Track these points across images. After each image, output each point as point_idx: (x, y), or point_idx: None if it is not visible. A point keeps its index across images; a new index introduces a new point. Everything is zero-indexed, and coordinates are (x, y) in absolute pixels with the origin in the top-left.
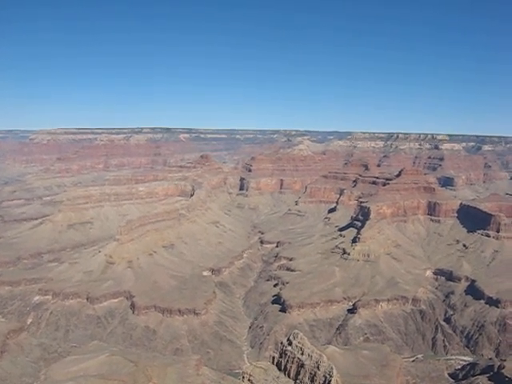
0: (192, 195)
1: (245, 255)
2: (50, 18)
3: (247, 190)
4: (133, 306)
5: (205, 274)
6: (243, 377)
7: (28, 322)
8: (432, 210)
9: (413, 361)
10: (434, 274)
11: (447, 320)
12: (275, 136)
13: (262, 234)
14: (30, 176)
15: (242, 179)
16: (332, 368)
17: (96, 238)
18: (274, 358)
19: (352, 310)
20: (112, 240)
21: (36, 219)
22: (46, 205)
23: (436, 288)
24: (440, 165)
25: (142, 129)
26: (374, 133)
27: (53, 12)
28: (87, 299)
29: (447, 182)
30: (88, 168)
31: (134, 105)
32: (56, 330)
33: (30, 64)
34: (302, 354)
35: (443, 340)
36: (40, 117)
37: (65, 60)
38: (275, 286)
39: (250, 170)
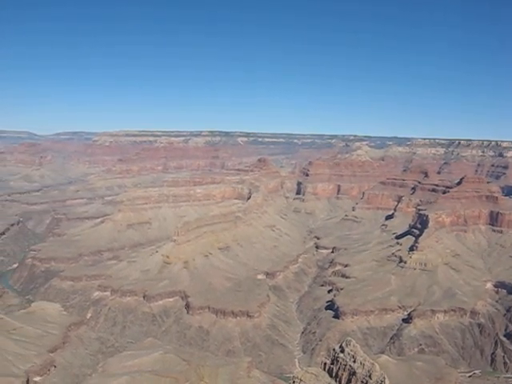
0: (249, 198)
1: (300, 260)
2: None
3: (304, 194)
4: (187, 306)
5: (259, 277)
6: (294, 381)
7: (88, 316)
8: (494, 219)
9: (469, 376)
10: (495, 286)
11: (508, 335)
12: (333, 141)
13: (318, 239)
14: (93, 176)
15: (298, 184)
16: (384, 378)
17: (154, 238)
18: (325, 364)
19: (407, 320)
20: (169, 240)
21: (97, 218)
22: (107, 204)
23: (496, 301)
24: (504, 173)
25: (200, 132)
26: (434, 139)
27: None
28: (144, 297)
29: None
30: (148, 169)
31: (194, 108)
32: (113, 326)
33: (95, 69)
34: (354, 361)
35: (503, 356)
36: (103, 120)
37: (127, 64)
38: (329, 291)
39: (307, 175)
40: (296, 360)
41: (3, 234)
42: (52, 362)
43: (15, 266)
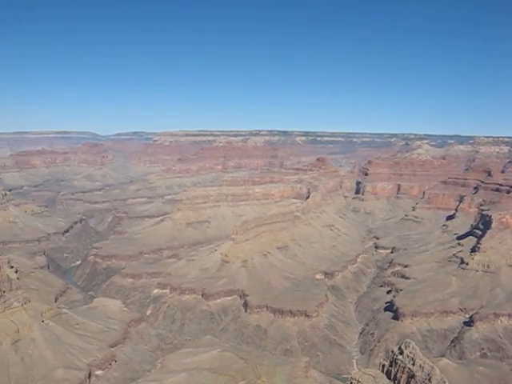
0: (307, 198)
1: (359, 260)
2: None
3: (363, 193)
4: (245, 305)
5: (318, 276)
6: (351, 382)
7: (147, 313)
8: None
9: None
10: None
11: None
12: (393, 140)
13: (377, 239)
14: (153, 175)
15: (358, 183)
16: (444, 382)
17: (212, 237)
18: (383, 366)
19: (468, 323)
20: (228, 239)
21: (157, 217)
22: (167, 203)
23: None
24: None
25: (259, 131)
26: (498, 137)
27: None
28: (202, 295)
29: None
30: (207, 169)
31: (253, 108)
32: (172, 323)
33: (156, 70)
34: (414, 364)
35: None
36: (163, 120)
37: (187, 64)
38: (388, 292)
39: (366, 174)
40: (354, 361)
41: (67, 231)
42: (113, 356)
43: (78, 262)
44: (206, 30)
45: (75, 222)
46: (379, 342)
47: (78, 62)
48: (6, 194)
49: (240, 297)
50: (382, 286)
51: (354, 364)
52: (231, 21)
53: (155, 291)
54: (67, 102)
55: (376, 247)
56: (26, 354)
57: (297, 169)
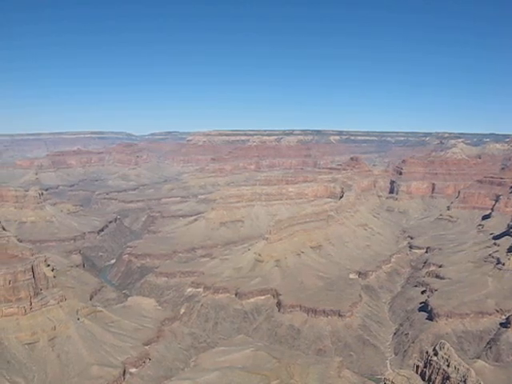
0: (341, 197)
1: (393, 259)
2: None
3: (397, 193)
4: (279, 304)
5: (351, 276)
6: (385, 383)
7: (181, 312)
8: None
9: None
10: None
11: None
12: (427, 138)
13: (412, 238)
14: (187, 175)
15: (392, 182)
16: None
17: (246, 236)
18: (417, 367)
19: (505, 324)
20: (261, 239)
21: (191, 216)
22: (201, 202)
23: None
24: None
25: (292, 131)
26: None
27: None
28: (236, 294)
29: None
30: (240, 168)
31: (287, 107)
32: (206, 322)
33: (189, 70)
34: (448, 365)
35: None
36: (197, 120)
37: (220, 63)
38: (423, 292)
39: (400, 173)
40: (387, 361)
41: (102, 230)
42: (147, 354)
43: (113, 261)
44: (242, 29)
45: (110, 222)
46: (413, 342)
47: (114, 63)
48: (42, 194)
49: (273, 296)
50: (416, 286)
51: (388, 365)
52: (271, 21)
53: (189, 290)
54: (103, 102)
55: (410, 247)
56: (62, 351)
57: (330, 168)
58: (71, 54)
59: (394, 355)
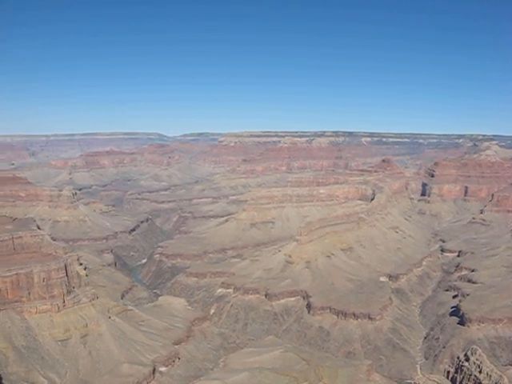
0: (372, 199)
1: (424, 263)
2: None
3: (429, 195)
4: (309, 306)
5: (382, 279)
6: None
7: (211, 312)
8: None
9: None
10: None
11: None
12: (460, 141)
13: (443, 242)
14: (218, 176)
15: (424, 185)
16: None
17: (276, 238)
18: (448, 372)
19: None
20: (292, 240)
21: (222, 217)
22: (232, 203)
23: None
24: None
25: (324, 132)
26: None
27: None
28: (266, 295)
29: None
30: (271, 169)
31: (318, 109)
32: (235, 322)
33: (221, 71)
34: (480, 372)
35: None
36: (228, 121)
37: (252, 64)
38: (454, 297)
39: (432, 176)
40: (418, 366)
41: (134, 230)
42: (177, 353)
43: (144, 261)
44: (272, 29)
45: (142, 221)
46: (444, 347)
47: (147, 63)
48: (76, 194)
49: (303, 298)
50: (447, 290)
51: (418, 369)
52: (299, 21)
53: (219, 290)
54: (136, 103)
55: (442, 250)
56: (94, 348)
57: (362, 170)
58: (106, 55)
59: (424, 360)
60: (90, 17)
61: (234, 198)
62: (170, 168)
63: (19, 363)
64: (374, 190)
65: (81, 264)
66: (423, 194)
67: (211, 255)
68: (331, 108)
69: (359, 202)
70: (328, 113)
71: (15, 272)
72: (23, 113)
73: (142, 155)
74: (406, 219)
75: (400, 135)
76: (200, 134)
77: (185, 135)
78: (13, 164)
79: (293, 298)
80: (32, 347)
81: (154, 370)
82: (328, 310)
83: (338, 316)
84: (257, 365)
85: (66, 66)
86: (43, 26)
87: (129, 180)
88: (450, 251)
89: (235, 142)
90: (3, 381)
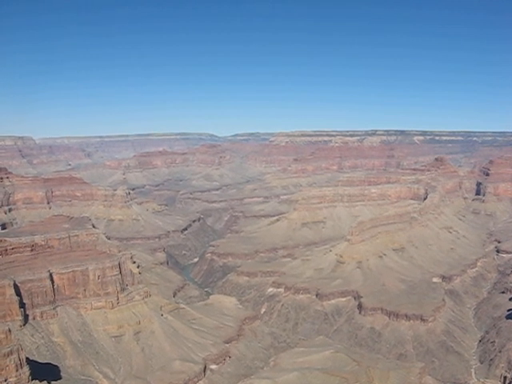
0: (425, 199)
1: (479, 264)
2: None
3: (484, 195)
4: (360, 307)
5: (435, 280)
6: None
7: (262, 311)
8: None
9: None
10: None
11: None
12: None
13: (499, 242)
14: (269, 175)
15: (478, 184)
16: None
17: (328, 237)
18: (505, 377)
19: None
20: (343, 240)
21: (273, 216)
22: (283, 203)
23: None
24: None
25: (375, 131)
26: None
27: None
28: (316, 295)
29: None
30: (323, 169)
31: (369, 107)
32: (286, 322)
33: (271, 70)
34: None
35: None
36: (280, 120)
37: (303, 63)
38: (511, 299)
39: (487, 174)
40: (472, 370)
41: (186, 229)
42: (227, 352)
43: (196, 260)
44: (324, 29)
45: (193, 221)
46: (500, 351)
47: (198, 62)
48: (129, 193)
49: (354, 298)
50: (503, 293)
51: (473, 373)
52: (354, 21)
53: (270, 290)
54: (187, 103)
55: (497, 251)
56: (146, 344)
57: (414, 169)
58: (160, 56)
59: (479, 364)
60: (146, 16)
61: (285, 197)
62: (221, 168)
63: (76, 357)
64: (426, 190)
65: (134, 262)
66: (478, 194)
67: (262, 254)
68: (383, 107)
69: (411, 201)
70: (380, 111)
71: (72, 269)
72: (79, 115)
73: (193, 155)
74: (459, 219)
75: (453, 133)
76: (251, 134)
77: (236, 135)
78: (69, 165)
79: (344, 299)
80: (87, 342)
81: (204, 368)
82: (379, 311)
83: (389, 317)
84: (307, 365)
85: (120, 69)
86: (97, 26)
87: (181, 180)
88: (506, 252)
89: (286, 142)
90: (61, 373)
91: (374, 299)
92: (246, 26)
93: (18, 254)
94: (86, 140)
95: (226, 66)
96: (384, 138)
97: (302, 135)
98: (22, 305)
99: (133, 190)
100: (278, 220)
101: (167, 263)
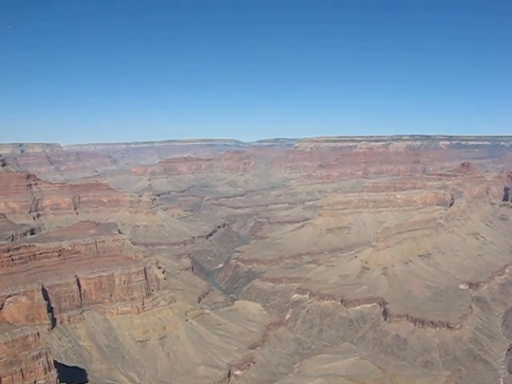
0: (451, 204)
1: (507, 270)
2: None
3: None
4: (385, 313)
5: (461, 287)
6: None
7: (286, 317)
8: None
9: None
10: None
11: None
12: None
13: None
14: (294, 181)
15: (506, 189)
16: None
17: (353, 243)
18: None
19: None
20: (368, 246)
21: (298, 222)
22: (308, 209)
23: None
24: None
25: (401, 136)
26: None
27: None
28: (341, 302)
29: None
30: (347, 175)
31: (394, 113)
32: (310, 328)
33: (294, 77)
34: None
35: None
36: (304, 126)
37: (327, 69)
38: None
39: None
40: (501, 379)
41: (211, 235)
42: (252, 358)
43: (221, 265)
44: (349, 34)
45: (218, 227)
46: None
47: (222, 69)
48: (155, 199)
49: (380, 305)
50: None
51: (501, 383)
52: (378, 25)
53: (294, 296)
54: (212, 110)
55: None
56: (171, 349)
57: (440, 174)
58: (184, 64)
59: (507, 373)
60: (171, 24)
61: (309, 203)
62: (246, 174)
63: (102, 361)
64: (452, 195)
65: (159, 268)
66: (505, 199)
67: (287, 260)
68: (408, 112)
69: (437, 207)
70: (405, 116)
71: (98, 274)
72: (105, 122)
73: (218, 161)
74: (486, 225)
75: (480, 138)
76: (276, 140)
77: (260, 141)
78: (96, 171)
79: (369, 305)
80: (113, 346)
81: (229, 373)
82: (405, 318)
83: (415, 324)
84: (332, 371)
85: (146, 76)
86: (123, 31)
87: (206, 186)
88: None
89: (311, 148)
90: (88, 377)
91: (399, 306)
92: (272, 31)
93: (46, 259)
94: (112, 147)
95: (250, 72)
96: (409, 143)
97: (327, 141)
98: (49, 309)
99: (158, 196)
100: (302, 226)
101: (192, 269)
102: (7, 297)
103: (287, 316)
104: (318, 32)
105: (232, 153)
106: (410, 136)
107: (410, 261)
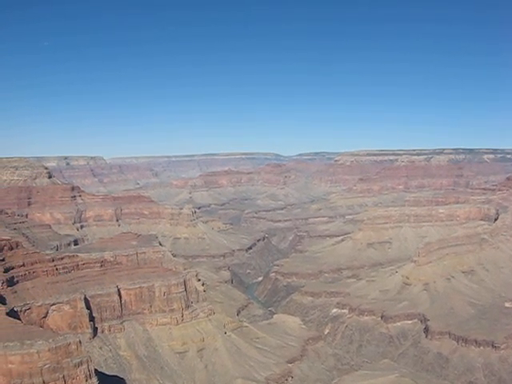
0: (496, 219)
1: None
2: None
3: None
4: (426, 330)
5: (507, 305)
6: None
7: (325, 332)
8: None
9: None
10: None
11: None
12: None
13: None
14: (334, 195)
15: None
16: None
17: (393, 258)
18: None
19: None
20: (409, 261)
21: (338, 236)
22: (348, 223)
23: None
24: None
25: (443, 150)
26: None
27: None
28: (381, 317)
29: None
30: (388, 189)
31: (436, 126)
32: (350, 343)
33: (332, 90)
34: None
35: None
36: (345, 139)
37: (367, 83)
38: None
39: None
40: None
41: (250, 248)
42: (290, 372)
43: (260, 279)
44: (389, 47)
45: (258, 240)
46: None
47: (263, 81)
48: (195, 212)
49: (421, 321)
50: None
51: None
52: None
53: (334, 310)
54: (252, 123)
55: None
56: (210, 361)
57: (484, 188)
58: (223, 77)
59: None
60: (210, 37)
61: (350, 217)
62: (286, 187)
63: (141, 371)
64: (497, 210)
65: (199, 280)
66: None
67: (326, 275)
68: (450, 125)
69: (481, 222)
70: (447, 130)
71: (139, 285)
72: (147, 136)
73: (258, 175)
74: None
75: None
76: (316, 154)
77: (301, 155)
78: (138, 184)
79: (410, 321)
80: (152, 357)
81: None
82: (447, 336)
83: (458, 342)
84: None
85: (187, 89)
86: (163, 44)
87: (246, 199)
88: None
89: (351, 161)
90: None
91: (441, 323)
92: (315, 45)
93: (89, 270)
94: (154, 160)
95: (291, 85)
96: (452, 156)
97: (368, 154)
98: (91, 318)
99: (198, 208)
100: (342, 240)
101: (231, 281)
102: (51, 305)
103: (326, 331)
104: (360, 46)
105: (272, 166)
106: (453, 149)
107: (453, 277)
